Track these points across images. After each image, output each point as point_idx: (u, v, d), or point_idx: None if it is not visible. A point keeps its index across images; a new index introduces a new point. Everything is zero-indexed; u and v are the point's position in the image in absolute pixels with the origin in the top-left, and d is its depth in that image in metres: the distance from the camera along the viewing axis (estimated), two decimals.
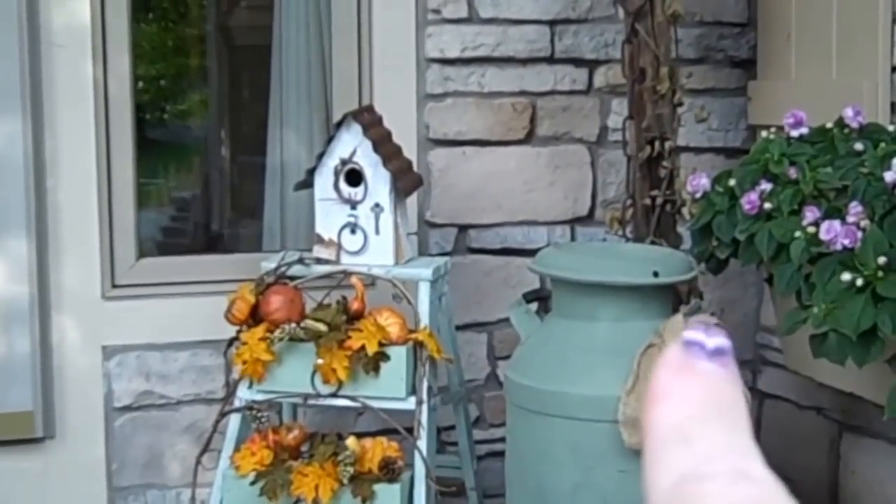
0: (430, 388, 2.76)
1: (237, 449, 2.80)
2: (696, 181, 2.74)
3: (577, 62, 3.49)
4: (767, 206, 2.52)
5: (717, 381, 0.44)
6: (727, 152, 3.59)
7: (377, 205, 2.87)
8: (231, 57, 6.76)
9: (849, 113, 2.64)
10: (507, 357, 2.97)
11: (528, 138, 3.48)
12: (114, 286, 3.23)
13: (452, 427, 3.20)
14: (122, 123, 3.22)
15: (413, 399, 2.74)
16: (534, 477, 2.60)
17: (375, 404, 2.75)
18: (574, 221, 3.52)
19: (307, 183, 2.92)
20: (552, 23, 3.46)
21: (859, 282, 2.24)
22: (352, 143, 2.86)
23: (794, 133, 2.65)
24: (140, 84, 6.46)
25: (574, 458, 2.51)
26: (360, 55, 3.36)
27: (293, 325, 2.73)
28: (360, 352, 2.70)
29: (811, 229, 2.38)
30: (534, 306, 2.86)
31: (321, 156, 2.90)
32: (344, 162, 2.87)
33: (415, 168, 3.14)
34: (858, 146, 2.55)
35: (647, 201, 3.02)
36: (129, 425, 3.26)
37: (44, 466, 3.17)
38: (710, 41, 3.59)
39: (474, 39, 3.40)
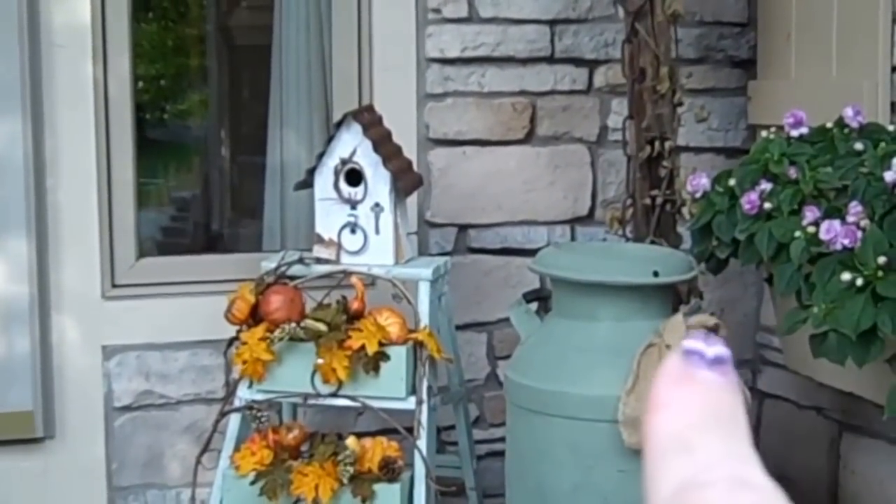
0: (430, 388, 2.76)
1: (237, 449, 2.80)
2: (696, 181, 2.74)
3: (577, 62, 3.49)
4: (767, 205, 2.52)
5: (716, 390, 0.44)
6: (727, 152, 3.59)
7: (377, 204, 2.87)
8: (231, 57, 6.76)
9: (849, 113, 2.64)
10: (507, 357, 2.97)
11: (528, 138, 3.48)
12: (114, 286, 3.23)
13: (452, 427, 3.20)
14: (122, 123, 3.22)
15: (413, 399, 2.74)
16: (534, 477, 2.60)
17: (375, 404, 2.75)
18: (574, 221, 3.52)
19: (307, 183, 2.93)
20: (552, 22, 3.46)
21: (859, 282, 2.24)
22: (352, 143, 2.86)
23: (794, 133, 2.65)
24: (140, 84, 6.46)
25: (574, 458, 2.51)
26: (360, 55, 3.36)
27: (293, 324, 2.73)
28: (360, 351, 2.70)
29: (811, 229, 2.38)
30: (534, 306, 2.86)
31: (321, 155, 2.90)
32: (344, 162, 2.87)
33: (415, 168, 3.14)
34: (858, 146, 2.55)
35: (647, 201, 3.02)
36: (129, 425, 3.26)
37: (44, 466, 3.17)
38: (710, 41, 3.59)
39: (474, 39, 3.40)
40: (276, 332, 2.72)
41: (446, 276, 3.01)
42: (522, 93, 3.46)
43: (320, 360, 2.72)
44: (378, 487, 2.70)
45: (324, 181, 2.89)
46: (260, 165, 3.75)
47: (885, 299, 2.22)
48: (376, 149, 2.84)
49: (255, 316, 2.81)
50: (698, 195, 2.73)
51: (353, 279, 2.84)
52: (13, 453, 3.13)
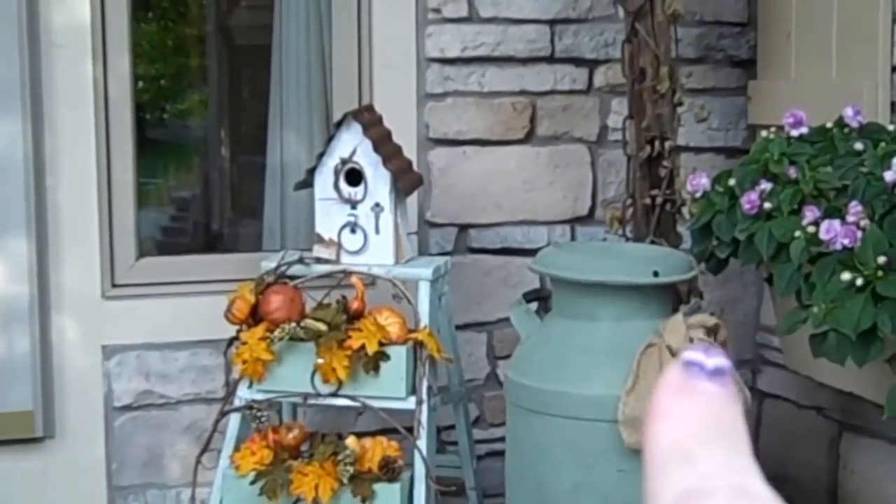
0: (429, 388, 2.76)
1: (237, 448, 2.80)
2: (696, 181, 2.74)
3: (577, 62, 3.49)
4: (767, 205, 2.52)
5: (716, 401, 0.44)
6: (727, 152, 3.59)
7: (377, 204, 2.87)
8: (231, 56, 6.76)
9: (849, 112, 2.64)
10: (507, 357, 2.97)
11: (528, 138, 3.48)
12: (114, 286, 3.23)
13: (452, 427, 3.20)
14: (122, 123, 3.22)
15: (413, 399, 2.74)
16: (534, 476, 2.60)
17: (375, 404, 2.75)
18: (574, 221, 3.52)
19: (307, 182, 2.93)
20: (552, 22, 3.46)
21: (859, 281, 2.24)
22: (352, 143, 2.86)
23: (794, 133, 2.65)
24: (140, 84, 6.46)
25: (574, 458, 2.51)
26: (360, 54, 3.36)
27: (293, 324, 2.73)
28: (360, 351, 2.70)
29: (811, 229, 2.38)
30: (534, 306, 2.86)
31: (321, 155, 2.90)
32: (344, 161, 2.87)
33: (415, 168, 3.14)
34: (858, 146, 2.55)
35: (647, 201, 3.02)
36: (129, 425, 3.26)
37: (44, 466, 3.17)
38: (710, 41, 3.59)
39: (474, 39, 3.40)
40: (276, 332, 2.72)
41: (446, 276, 3.01)
42: (522, 92, 3.46)
43: (320, 360, 2.72)
44: (378, 487, 2.70)
45: (324, 181, 2.89)
46: (260, 165, 3.75)
47: (885, 299, 2.22)
48: (376, 148, 2.84)
49: (255, 316, 2.81)
50: (698, 195, 2.73)
51: (353, 279, 2.84)
52: (13, 453, 3.13)
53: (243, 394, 2.83)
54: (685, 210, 2.93)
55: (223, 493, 2.79)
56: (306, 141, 3.59)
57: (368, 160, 2.85)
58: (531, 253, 3.07)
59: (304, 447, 2.82)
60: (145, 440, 3.27)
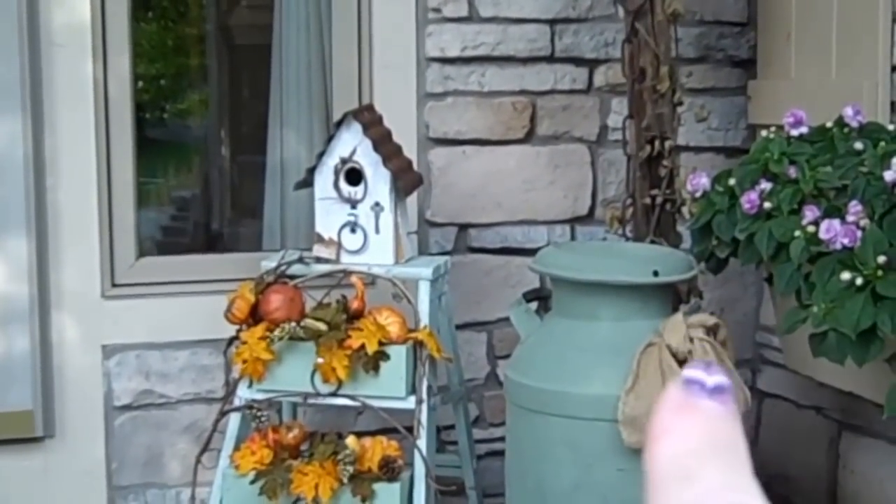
0: (429, 388, 2.76)
1: (237, 448, 2.80)
2: (696, 180, 2.74)
3: (578, 61, 3.49)
4: (767, 205, 2.52)
5: (716, 418, 0.45)
6: (727, 151, 3.59)
7: (377, 204, 2.87)
8: (231, 56, 6.76)
9: (848, 112, 2.64)
10: (507, 356, 2.97)
11: (528, 137, 3.48)
12: (113, 285, 3.23)
13: (452, 426, 3.20)
14: (122, 123, 3.22)
15: (413, 398, 2.74)
16: (533, 476, 2.60)
17: (375, 403, 2.75)
18: (574, 221, 3.52)
19: (307, 182, 2.93)
20: (552, 22, 3.46)
21: (859, 281, 2.24)
22: (352, 142, 2.86)
23: (794, 132, 2.65)
24: (140, 83, 6.45)
25: (574, 457, 2.51)
26: (360, 54, 3.36)
27: (293, 324, 2.73)
28: (360, 351, 2.70)
29: (811, 228, 2.38)
30: (534, 305, 2.87)
31: (321, 155, 2.90)
32: (344, 161, 2.87)
33: (415, 167, 3.14)
34: (858, 145, 2.55)
35: (647, 200, 3.02)
36: (129, 424, 3.26)
37: (44, 466, 3.17)
38: (710, 40, 3.59)
39: (474, 38, 3.40)
40: (276, 332, 2.72)
41: (446, 276, 3.01)
42: (522, 92, 3.46)
43: (320, 360, 2.72)
44: (378, 487, 2.70)
45: (324, 180, 2.89)
46: (260, 165, 3.75)
47: (885, 299, 2.22)
48: (376, 148, 2.84)
49: (255, 315, 2.81)
50: (698, 194, 2.73)
51: (353, 278, 2.84)
52: (13, 453, 3.13)
53: (243, 393, 2.83)
54: (685, 210, 2.93)
55: (223, 493, 2.79)
56: (306, 140, 3.59)
57: (368, 160, 2.85)
58: (531, 253, 3.07)
59: (303, 447, 2.82)
60: (145, 440, 3.27)
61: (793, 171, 2.53)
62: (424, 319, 2.79)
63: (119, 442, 3.25)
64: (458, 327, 3.25)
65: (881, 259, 2.24)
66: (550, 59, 3.47)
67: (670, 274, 2.61)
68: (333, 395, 2.76)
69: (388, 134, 2.96)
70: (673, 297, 2.73)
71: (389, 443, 2.75)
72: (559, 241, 3.45)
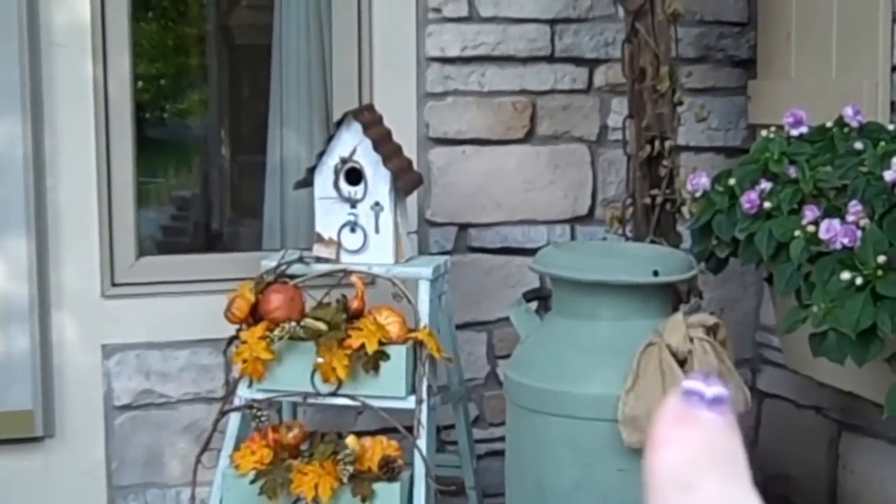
0: (429, 387, 2.76)
1: (237, 448, 2.80)
2: (696, 180, 2.74)
3: (578, 61, 3.49)
4: (767, 205, 2.52)
5: (715, 429, 0.45)
6: (727, 151, 3.59)
7: (377, 203, 2.87)
8: (231, 56, 6.76)
9: (848, 112, 2.64)
10: (507, 356, 2.97)
11: (528, 137, 3.48)
12: (113, 285, 3.23)
13: (452, 426, 3.20)
14: (122, 122, 3.22)
15: (413, 398, 2.74)
16: (533, 476, 2.60)
17: (375, 403, 2.75)
18: (574, 220, 3.53)
19: (307, 181, 2.93)
20: (552, 22, 3.46)
21: (859, 281, 2.24)
22: (352, 142, 2.86)
23: (794, 132, 2.65)
24: (140, 83, 6.46)
25: (574, 457, 2.51)
26: (360, 54, 3.36)
27: (293, 323, 2.73)
28: (360, 351, 2.70)
29: (811, 228, 2.38)
30: (533, 305, 2.87)
31: (321, 154, 2.90)
32: (344, 161, 2.87)
33: (415, 167, 3.14)
34: (858, 145, 2.55)
35: (647, 200, 3.02)
36: (129, 424, 3.26)
37: (44, 465, 3.17)
38: (710, 40, 3.59)
39: (474, 38, 3.40)
40: (276, 331, 2.72)
41: (446, 276, 3.01)
42: (522, 92, 3.46)
43: (320, 359, 2.72)
44: (378, 486, 2.70)
45: (324, 180, 2.89)
46: (260, 164, 3.75)
47: (885, 298, 2.22)
48: (376, 148, 2.84)
49: (255, 315, 2.81)
50: (698, 194, 2.73)
51: (353, 278, 2.84)
52: (13, 453, 3.13)
53: (243, 393, 2.83)
54: (685, 209, 2.93)
55: (223, 493, 2.79)
56: (306, 140, 3.59)
57: (368, 159, 2.85)
58: (531, 252, 3.07)
59: (303, 446, 2.82)
60: (145, 439, 3.27)
61: (793, 171, 2.53)
62: (424, 319, 2.79)
63: (119, 442, 3.25)
64: (458, 327, 3.26)
65: (881, 259, 2.24)
66: (550, 58, 3.47)
67: (670, 274, 2.61)
68: (333, 394, 2.76)
69: (388, 134, 2.96)
70: (673, 296, 2.73)
71: (389, 443, 2.75)
72: (559, 240, 3.45)
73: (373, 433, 2.86)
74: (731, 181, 2.65)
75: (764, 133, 2.70)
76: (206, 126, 7.41)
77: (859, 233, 2.29)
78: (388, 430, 2.80)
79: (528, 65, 3.45)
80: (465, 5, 3.39)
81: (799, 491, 3.32)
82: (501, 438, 2.94)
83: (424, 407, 2.74)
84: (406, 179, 2.94)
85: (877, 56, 2.95)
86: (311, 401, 2.83)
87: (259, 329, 2.75)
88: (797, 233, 2.41)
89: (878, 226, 2.31)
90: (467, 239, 3.46)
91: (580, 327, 2.59)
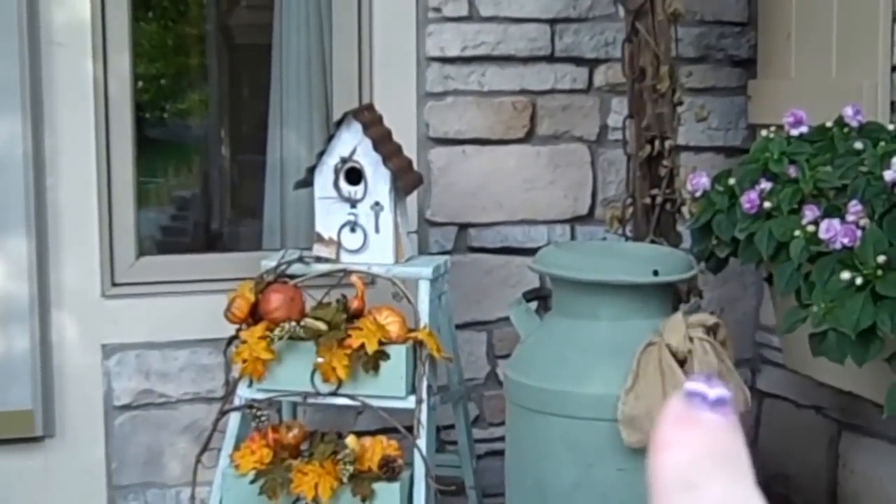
0: (429, 387, 2.76)
1: (237, 447, 2.80)
2: (696, 180, 2.74)
3: (578, 61, 3.49)
4: (767, 204, 2.52)
5: (718, 430, 0.46)
6: (727, 151, 3.59)
7: (377, 203, 2.87)
8: (231, 56, 6.76)
9: (848, 112, 2.64)
10: (507, 356, 2.97)
11: (529, 137, 3.48)
12: (113, 284, 3.23)
13: (452, 426, 3.20)
14: (122, 122, 3.22)
15: (413, 398, 2.74)
16: (533, 475, 2.60)
17: (375, 403, 2.75)
18: (574, 220, 3.53)
19: (307, 181, 2.93)
20: (552, 21, 3.46)
21: (859, 280, 2.24)
22: (352, 142, 2.86)
23: (794, 132, 2.65)
24: (140, 83, 6.46)
25: (573, 457, 2.51)
26: (361, 54, 3.36)
27: (293, 323, 2.73)
28: (360, 350, 2.70)
29: (811, 228, 2.38)
30: (533, 305, 2.87)
31: (321, 154, 2.90)
32: (344, 160, 2.87)
33: (415, 167, 3.14)
34: (858, 145, 2.55)
35: (647, 200, 3.02)
36: (129, 424, 3.26)
37: (44, 465, 3.17)
38: (710, 40, 3.59)
39: (475, 38, 3.40)
40: (276, 331, 2.72)
41: (446, 275, 3.01)
42: (523, 92, 3.46)
43: (320, 359, 2.72)
44: (378, 486, 2.70)
45: (324, 180, 2.89)
46: (260, 164, 3.75)
47: (885, 298, 2.22)
48: (376, 147, 2.84)
49: (255, 315, 2.81)
50: (698, 194, 2.73)
51: (353, 278, 2.84)
52: (13, 452, 3.13)
53: (243, 393, 2.83)
54: (685, 209, 2.93)
55: (223, 493, 2.79)
56: (306, 140, 3.59)
57: (368, 159, 2.85)
58: (531, 252, 3.07)
59: (303, 446, 2.82)
60: (145, 439, 3.27)
61: (793, 171, 2.53)
62: (424, 319, 2.79)
63: (119, 441, 3.25)
64: (458, 327, 3.26)
65: (881, 259, 2.24)
66: (550, 58, 3.47)
67: (670, 274, 2.61)
68: (333, 394, 2.76)
69: (388, 133, 2.96)
70: (673, 296, 2.73)
71: (389, 442, 2.75)
72: (559, 240, 3.45)
73: (373, 433, 2.86)
74: (731, 181, 2.65)
75: (764, 133, 2.70)
76: (206, 126, 7.41)
77: (859, 233, 2.29)
78: (388, 430, 2.80)
79: (529, 64, 3.45)
80: (465, 5, 3.39)
81: (799, 490, 3.32)
82: (501, 438, 2.94)
83: (424, 407, 2.74)
84: (406, 179, 2.94)
85: (877, 56, 2.95)
86: (311, 401, 2.83)
87: (259, 329, 2.75)
88: (797, 233, 2.41)
89: (878, 226, 2.31)
90: (467, 239, 3.46)
91: (580, 327, 2.59)
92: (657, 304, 2.61)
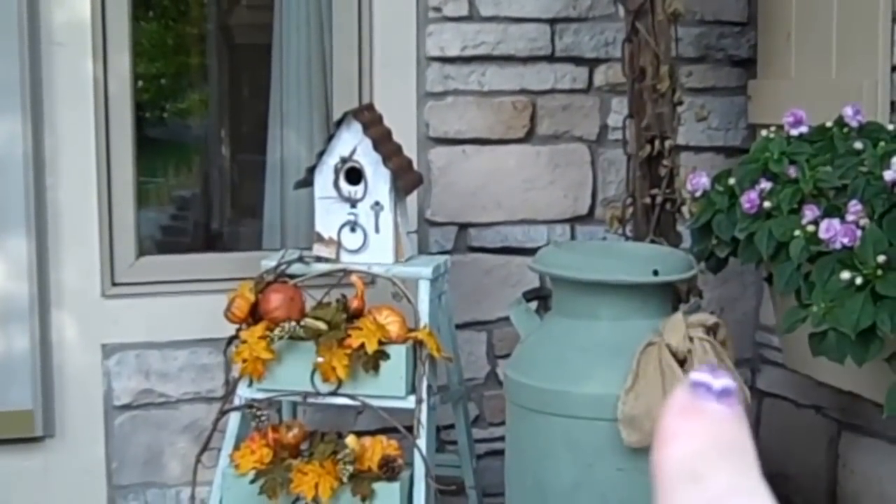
0: (429, 387, 2.76)
1: (237, 447, 2.80)
2: (696, 180, 2.74)
3: (578, 61, 3.49)
4: (767, 204, 2.52)
5: (723, 421, 0.45)
6: (727, 151, 3.59)
7: (377, 203, 2.87)
8: (231, 55, 6.76)
9: (848, 112, 2.64)
10: (507, 356, 2.97)
11: (529, 137, 3.48)
12: (113, 284, 3.23)
13: (452, 426, 3.20)
14: (122, 122, 3.22)
15: (413, 398, 2.74)
16: (533, 475, 2.60)
17: (375, 403, 2.75)
18: (574, 220, 3.53)
19: (307, 181, 2.93)
20: (553, 21, 3.46)
21: (858, 280, 2.25)
22: (352, 142, 2.86)
23: (794, 132, 2.65)
24: (140, 82, 6.45)
25: (573, 457, 2.51)
26: (361, 53, 3.36)
27: (293, 323, 2.73)
28: (360, 350, 2.70)
29: (810, 228, 2.38)
30: (533, 305, 2.87)
31: (321, 154, 2.90)
32: (344, 160, 2.87)
33: (415, 166, 3.14)
34: (858, 145, 2.55)
35: (647, 200, 3.02)
36: (129, 424, 3.26)
37: (44, 465, 3.17)
38: (710, 40, 3.59)
39: (475, 38, 3.40)
40: (276, 331, 2.72)
41: (446, 275, 3.01)
42: (523, 91, 3.46)
43: (320, 359, 2.72)
44: (378, 486, 2.70)
45: (324, 179, 2.89)
46: (260, 164, 3.75)
47: (885, 298, 2.22)
48: (376, 147, 2.84)
49: (255, 314, 2.81)
50: (698, 194, 2.73)
51: (353, 278, 2.84)
52: (13, 452, 3.13)
53: (243, 392, 2.83)
54: (685, 209, 2.93)
55: (223, 492, 2.79)
56: (306, 140, 3.59)
57: (368, 159, 2.85)
58: (531, 252, 3.07)
59: (303, 446, 2.82)
60: (145, 439, 3.27)
61: (793, 171, 2.53)
62: (424, 319, 2.79)
63: (119, 441, 3.25)
64: (458, 327, 3.26)
65: (881, 258, 2.24)
66: (550, 58, 3.47)
67: (670, 273, 2.61)
68: (333, 394, 2.76)
69: (388, 133, 2.96)
70: (673, 296, 2.73)
71: (389, 442, 2.75)
72: (559, 240, 3.45)
73: (373, 433, 2.86)
74: (731, 181, 2.65)
75: (764, 133, 2.70)
76: (206, 126, 7.41)
77: (859, 232, 2.29)
78: (387, 430, 2.80)
79: (529, 64, 3.45)
80: (465, 5, 3.39)
81: (799, 490, 3.32)
82: (501, 438, 2.94)
83: (424, 406, 2.74)
84: (406, 179, 2.94)
85: (877, 56, 2.95)
86: (311, 400, 2.83)
87: (259, 329, 2.75)
88: (797, 232, 2.41)
89: (877, 225, 2.31)
90: (467, 238, 3.46)
91: (580, 327, 2.59)
92: (657, 304, 2.61)
